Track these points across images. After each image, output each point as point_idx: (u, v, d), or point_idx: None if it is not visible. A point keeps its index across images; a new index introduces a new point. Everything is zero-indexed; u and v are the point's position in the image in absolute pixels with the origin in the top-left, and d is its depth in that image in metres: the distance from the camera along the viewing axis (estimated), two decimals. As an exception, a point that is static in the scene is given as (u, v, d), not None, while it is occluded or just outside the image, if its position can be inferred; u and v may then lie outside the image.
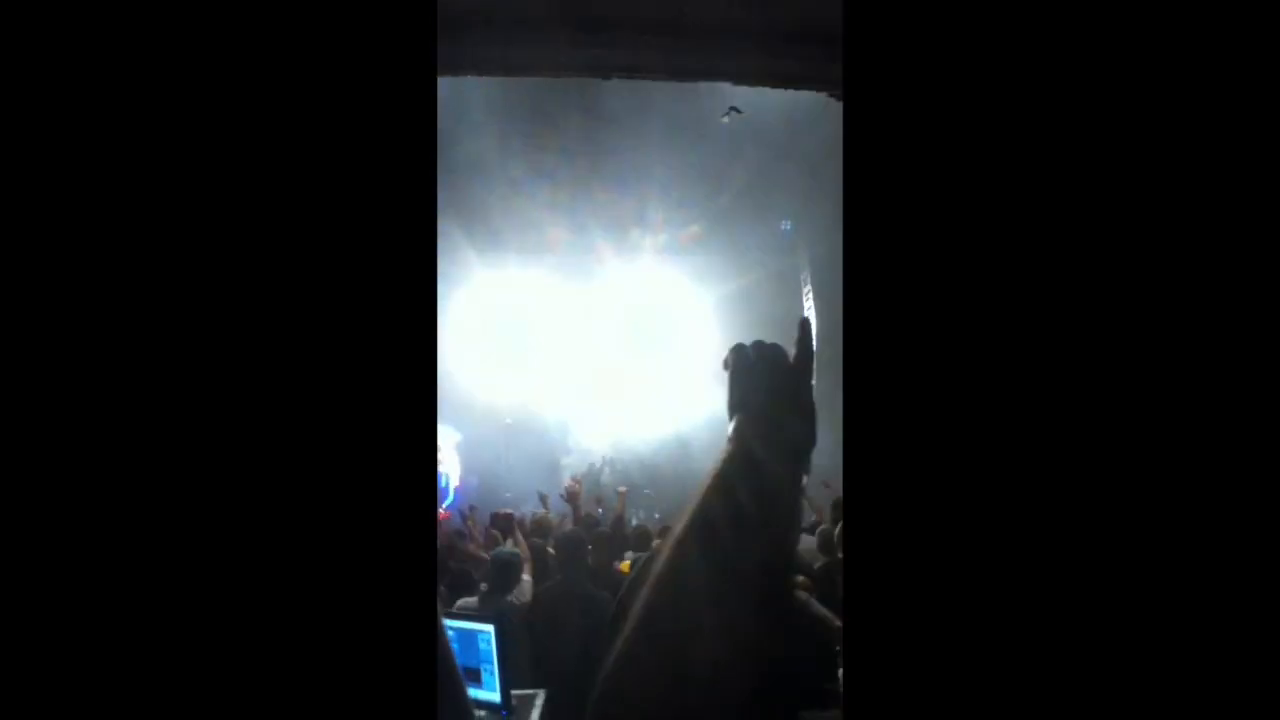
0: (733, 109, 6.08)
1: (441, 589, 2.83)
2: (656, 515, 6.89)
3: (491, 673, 2.19)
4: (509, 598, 2.69)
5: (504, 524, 3.70)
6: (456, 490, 8.18)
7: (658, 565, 0.52)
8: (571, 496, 4.06)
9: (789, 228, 8.19)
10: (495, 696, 2.19)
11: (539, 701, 2.29)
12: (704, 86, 5.20)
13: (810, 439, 0.60)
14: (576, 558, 2.82)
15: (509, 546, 3.17)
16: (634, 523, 5.13)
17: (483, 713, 2.17)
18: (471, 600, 2.73)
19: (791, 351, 0.63)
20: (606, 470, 8.49)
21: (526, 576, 2.88)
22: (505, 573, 2.76)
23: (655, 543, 2.87)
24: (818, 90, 1.87)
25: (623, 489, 4.74)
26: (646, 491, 7.75)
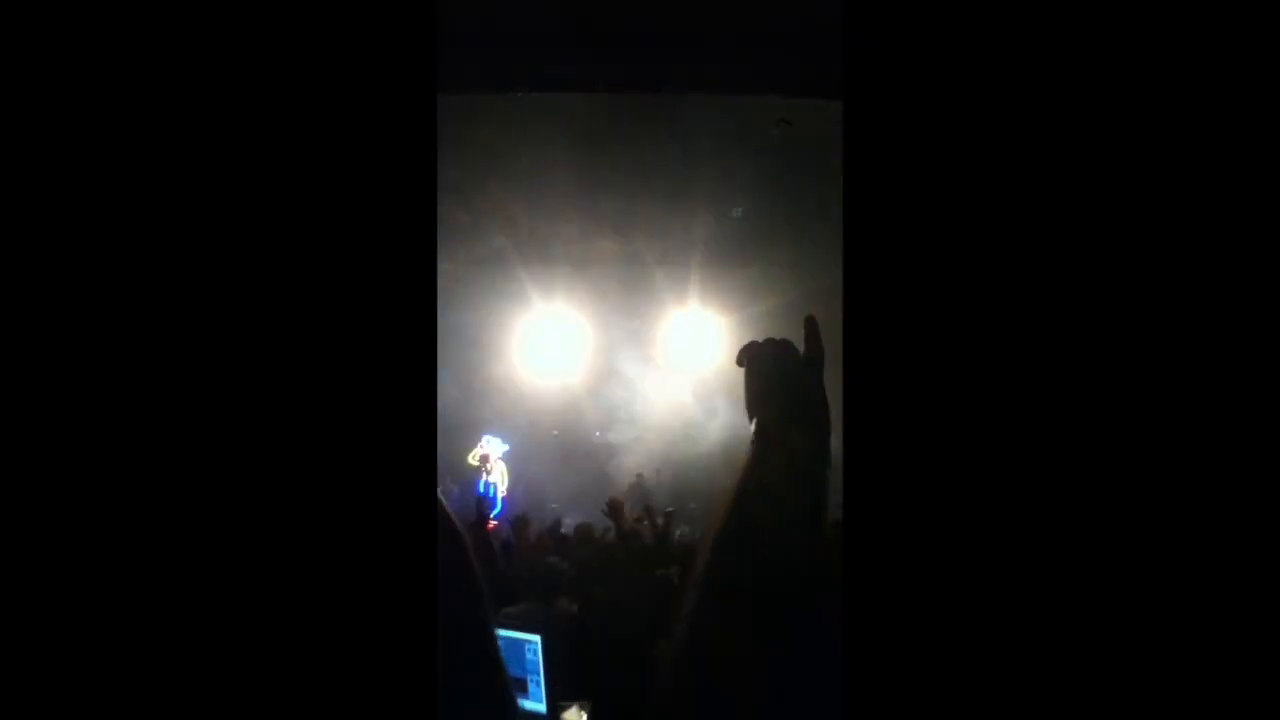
0: (782, 120, 5.98)
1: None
2: (699, 534, 6.79)
3: (538, 683, 2.21)
4: (553, 608, 2.71)
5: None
6: (504, 500, 8.28)
7: (698, 570, 0.53)
8: (613, 510, 4.04)
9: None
10: (541, 707, 2.21)
11: (583, 713, 2.30)
12: (751, 102, 5.16)
13: (825, 432, 0.61)
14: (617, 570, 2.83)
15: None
16: (678, 534, 5.10)
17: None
18: (513, 609, 2.77)
19: (801, 347, 0.64)
20: (654, 481, 8.47)
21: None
22: (549, 583, 2.79)
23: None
24: (830, 99, 1.84)
25: (670, 509, 4.70)
26: (692, 506, 7.69)
